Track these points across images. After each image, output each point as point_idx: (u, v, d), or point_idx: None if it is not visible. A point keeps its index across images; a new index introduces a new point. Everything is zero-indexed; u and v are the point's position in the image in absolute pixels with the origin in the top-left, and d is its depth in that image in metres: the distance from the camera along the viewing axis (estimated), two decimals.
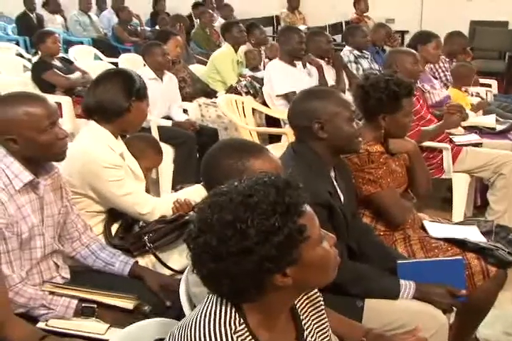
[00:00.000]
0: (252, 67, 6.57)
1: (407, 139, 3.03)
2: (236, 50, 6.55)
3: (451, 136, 4.43)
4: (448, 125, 4.16)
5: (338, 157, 2.55)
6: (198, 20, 10.04)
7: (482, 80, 6.41)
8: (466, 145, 4.39)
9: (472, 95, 5.71)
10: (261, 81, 6.07)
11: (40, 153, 2.30)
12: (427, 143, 4.11)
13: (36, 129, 2.24)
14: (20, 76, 6.56)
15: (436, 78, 5.47)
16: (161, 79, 5.24)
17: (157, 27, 9.90)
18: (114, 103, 2.81)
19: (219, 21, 10.01)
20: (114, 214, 2.89)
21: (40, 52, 6.13)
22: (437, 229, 2.94)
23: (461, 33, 6.04)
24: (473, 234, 2.90)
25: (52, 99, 2.51)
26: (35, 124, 2.24)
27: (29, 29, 10.17)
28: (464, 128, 4.73)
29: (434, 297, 2.37)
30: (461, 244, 2.76)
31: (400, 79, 2.93)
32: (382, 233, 2.83)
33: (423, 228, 2.98)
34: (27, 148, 2.27)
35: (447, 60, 5.77)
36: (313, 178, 2.26)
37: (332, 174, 2.51)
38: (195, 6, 11.00)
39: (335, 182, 2.50)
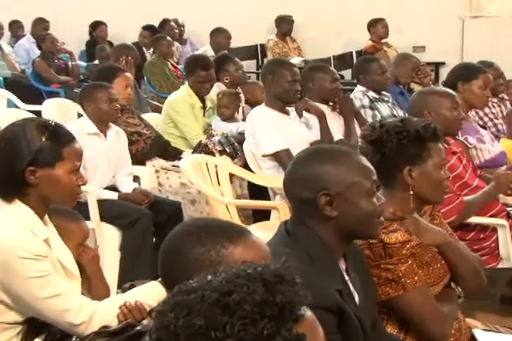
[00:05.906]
0: (225, 116, 6.57)
1: (436, 229, 2.97)
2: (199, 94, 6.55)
3: (508, 209, 4.42)
4: (500, 188, 4.16)
5: (349, 243, 2.56)
6: (152, 50, 10.14)
7: None
8: None
9: None
10: (239, 136, 6.12)
11: None
12: (474, 219, 4.11)
13: None
14: None
15: (484, 128, 5.51)
16: (105, 135, 5.24)
17: (96, 61, 10.01)
18: (4, 174, 2.87)
19: (206, 52, 9.95)
20: (35, 325, 2.89)
21: None
22: None
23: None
24: None
25: None
26: None
27: None
28: None
29: None
30: None
31: (419, 121, 2.96)
32: None
33: (474, 340, 2.99)
34: None
35: (495, 100, 5.80)
36: (315, 272, 2.28)
37: (342, 265, 2.53)
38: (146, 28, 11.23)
39: (346, 277, 2.51)
